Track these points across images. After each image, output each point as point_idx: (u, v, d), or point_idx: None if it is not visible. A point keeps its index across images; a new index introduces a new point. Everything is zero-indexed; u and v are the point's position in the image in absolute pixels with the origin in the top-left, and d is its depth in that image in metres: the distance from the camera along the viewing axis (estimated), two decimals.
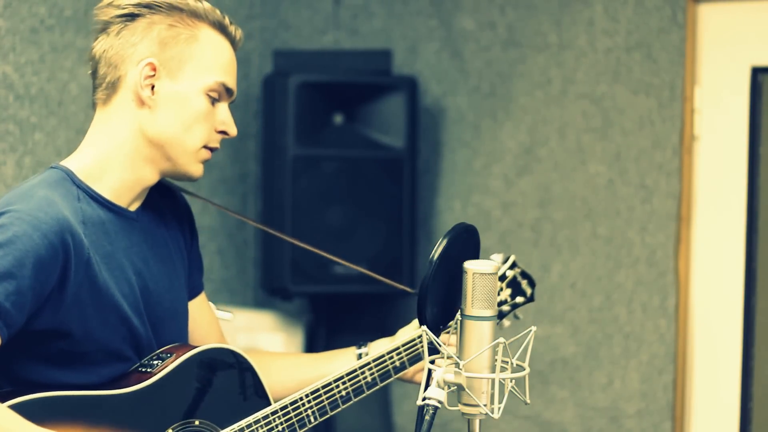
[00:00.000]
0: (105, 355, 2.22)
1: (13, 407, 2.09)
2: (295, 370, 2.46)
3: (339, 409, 2.36)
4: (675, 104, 3.76)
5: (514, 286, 2.53)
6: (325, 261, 3.85)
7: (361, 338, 2.59)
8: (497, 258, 2.52)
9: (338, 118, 3.99)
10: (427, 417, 1.97)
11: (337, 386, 2.36)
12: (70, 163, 2.27)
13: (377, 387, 2.41)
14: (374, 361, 2.40)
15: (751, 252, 3.66)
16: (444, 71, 4.08)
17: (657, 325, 3.79)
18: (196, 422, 2.25)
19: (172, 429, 2.23)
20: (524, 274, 2.56)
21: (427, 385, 2.00)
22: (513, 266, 2.55)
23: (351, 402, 2.37)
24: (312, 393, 2.33)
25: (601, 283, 3.86)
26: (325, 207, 3.88)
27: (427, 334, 2.02)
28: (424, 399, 1.99)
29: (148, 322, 2.28)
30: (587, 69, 3.88)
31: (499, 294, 2.49)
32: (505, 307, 2.51)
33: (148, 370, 2.26)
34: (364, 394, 2.39)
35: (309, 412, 2.32)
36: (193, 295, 2.47)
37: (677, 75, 3.75)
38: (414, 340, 2.44)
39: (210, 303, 2.53)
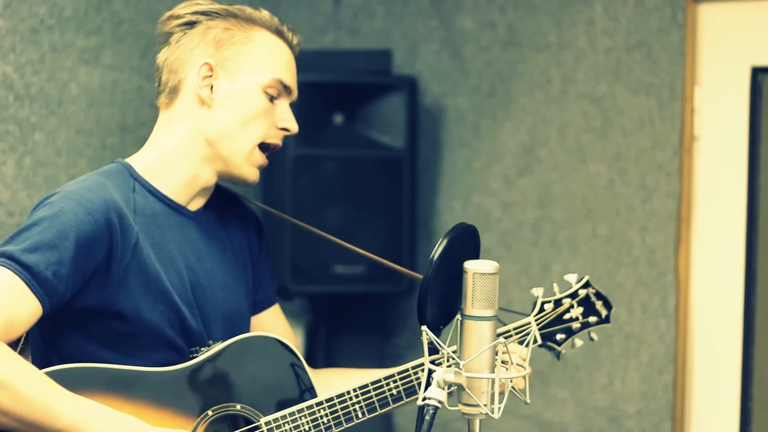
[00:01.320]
0: (156, 341, 2.26)
1: (50, 374, 2.13)
2: (337, 382, 2.44)
3: (388, 408, 2.35)
4: (675, 104, 3.76)
5: (587, 306, 2.53)
6: (325, 261, 3.85)
7: (360, 338, 2.58)
8: (572, 278, 2.53)
9: (338, 118, 3.99)
10: (427, 417, 1.97)
11: (387, 384, 2.36)
12: (132, 159, 2.36)
13: None
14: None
15: (751, 252, 3.66)
16: (444, 71, 4.08)
17: (657, 325, 3.79)
18: (238, 406, 2.26)
19: (212, 411, 2.24)
20: (599, 295, 2.55)
21: (427, 385, 2.01)
22: (587, 285, 2.54)
23: (402, 402, 2.37)
24: (360, 388, 2.33)
25: (601, 283, 3.86)
26: (325, 207, 3.87)
27: (427, 334, 2.03)
28: (424, 399, 1.99)
29: (200, 316, 2.30)
30: (587, 69, 3.88)
31: (569, 311, 2.50)
32: (575, 325, 2.50)
33: (195, 355, 2.28)
34: (415, 396, 2.37)
35: (357, 407, 2.32)
36: (265, 306, 2.52)
37: (677, 75, 3.75)
38: None
39: None
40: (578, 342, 2.52)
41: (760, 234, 3.66)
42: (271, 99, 2.37)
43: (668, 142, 3.77)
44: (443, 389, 1.99)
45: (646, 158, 3.81)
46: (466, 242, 2.10)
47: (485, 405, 2.01)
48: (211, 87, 2.33)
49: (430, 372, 2.01)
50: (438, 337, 2.05)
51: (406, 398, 2.38)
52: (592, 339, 2.55)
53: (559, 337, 2.49)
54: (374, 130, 3.98)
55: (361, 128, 3.98)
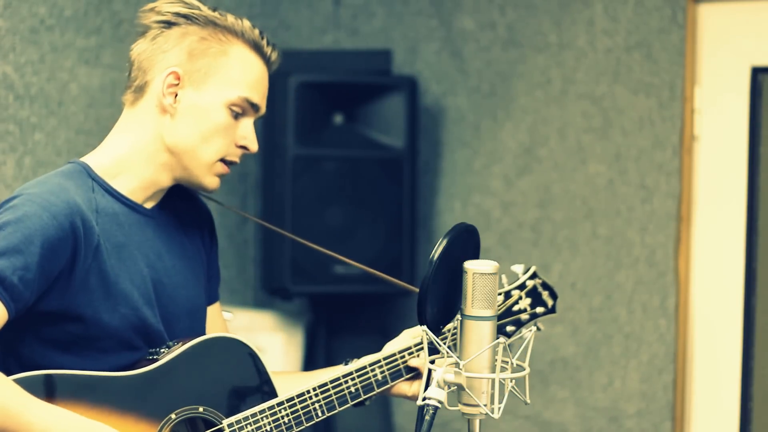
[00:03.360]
0: (115, 343, 2.25)
1: (15, 382, 2.12)
2: (295, 383, 2.44)
3: (347, 406, 2.35)
4: (675, 104, 3.76)
5: (534, 296, 2.52)
6: (325, 261, 3.85)
7: (360, 338, 2.58)
8: (518, 268, 2.52)
9: (338, 118, 3.99)
10: (427, 417, 1.97)
11: (346, 382, 2.36)
12: (90, 158, 2.33)
13: (387, 386, 2.40)
14: (385, 359, 2.40)
15: (751, 252, 3.66)
16: (444, 71, 4.08)
17: (657, 325, 3.79)
18: (200, 409, 2.25)
19: (175, 414, 2.24)
20: (545, 285, 2.55)
21: (427, 385, 2.01)
22: (533, 276, 2.54)
23: (360, 399, 2.37)
24: (320, 387, 2.33)
25: (601, 283, 3.86)
26: (325, 207, 3.88)
27: (427, 334, 2.03)
28: (424, 399, 1.99)
29: (160, 315, 2.30)
30: (587, 69, 3.88)
31: (517, 303, 2.50)
32: (524, 316, 2.50)
33: (155, 357, 2.27)
34: (373, 392, 2.38)
35: (316, 405, 2.32)
36: (209, 302, 2.49)
37: (677, 75, 3.75)
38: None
39: None
40: (526, 333, 2.51)
41: (760, 234, 3.66)
42: (236, 116, 2.32)
43: (668, 142, 3.77)
44: (443, 389, 1.99)
45: (646, 158, 3.81)
46: (466, 242, 2.10)
47: (485, 405, 2.01)
48: (176, 95, 2.29)
49: (430, 372, 2.01)
50: (438, 337, 2.05)
51: (364, 395, 2.37)
52: (539, 329, 2.53)
53: (509, 329, 2.49)
54: (374, 130, 3.98)
55: (361, 128, 3.99)
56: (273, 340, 3.96)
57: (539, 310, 2.52)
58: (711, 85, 3.74)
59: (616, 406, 3.85)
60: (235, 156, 2.35)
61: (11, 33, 3.25)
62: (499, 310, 2.47)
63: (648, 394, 3.80)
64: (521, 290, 2.52)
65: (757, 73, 3.66)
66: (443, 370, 1.99)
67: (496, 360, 2.02)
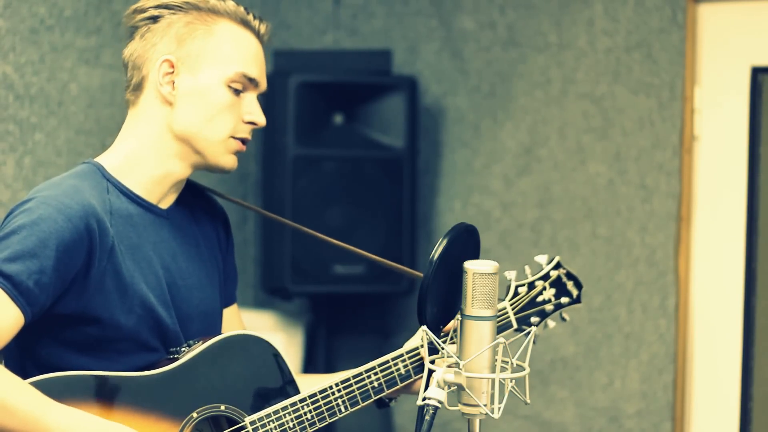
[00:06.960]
0: (132, 344, 2.25)
1: (35, 384, 2.12)
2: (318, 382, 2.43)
3: (371, 401, 2.34)
4: (675, 104, 3.76)
5: (559, 287, 2.51)
6: (325, 261, 3.85)
7: (360, 338, 2.57)
8: (542, 258, 2.52)
9: (338, 118, 3.99)
10: (427, 417, 1.97)
11: (369, 377, 2.34)
12: (102, 159, 2.33)
13: (411, 380, 2.39)
14: (408, 353, 2.39)
15: (751, 252, 3.66)
16: (444, 71, 4.08)
17: (657, 325, 3.79)
18: (222, 407, 2.25)
19: (197, 413, 2.23)
20: (570, 275, 2.53)
21: (427, 385, 2.01)
22: (558, 266, 2.53)
23: (383, 394, 2.35)
24: (342, 382, 2.32)
25: (601, 283, 3.86)
26: (325, 207, 3.88)
27: (427, 334, 2.03)
28: (424, 399, 1.99)
29: (177, 316, 2.30)
30: (587, 69, 3.88)
31: (541, 293, 2.49)
32: (549, 307, 2.49)
33: (176, 356, 2.27)
34: (396, 387, 2.37)
35: (339, 401, 2.31)
36: (225, 305, 2.49)
37: (677, 75, 3.75)
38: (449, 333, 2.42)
39: None
40: (551, 323, 2.50)
41: (760, 234, 3.66)
42: (237, 92, 2.32)
43: (668, 142, 3.77)
44: (443, 389, 1.99)
45: (646, 158, 3.81)
46: (466, 242, 2.10)
47: (485, 405, 2.01)
48: (173, 83, 2.30)
49: (430, 372, 2.01)
50: (438, 337, 2.05)
51: (387, 389, 2.36)
52: (564, 319, 2.52)
53: (533, 320, 2.47)
54: (374, 130, 3.98)
55: (361, 128, 3.99)
56: (273, 340, 3.95)
57: (564, 300, 2.51)
58: (711, 85, 3.74)
59: (616, 406, 3.85)
60: (244, 132, 2.34)
61: (11, 33, 3.25)
62: (522, 300, 2.47)
63: (648, 394, 3.80)
64: (545, 281, 2.50)
65: (757, 73, 3.67)
66: (443, 370, 1.99)
67: (496, 360, 2.02)
